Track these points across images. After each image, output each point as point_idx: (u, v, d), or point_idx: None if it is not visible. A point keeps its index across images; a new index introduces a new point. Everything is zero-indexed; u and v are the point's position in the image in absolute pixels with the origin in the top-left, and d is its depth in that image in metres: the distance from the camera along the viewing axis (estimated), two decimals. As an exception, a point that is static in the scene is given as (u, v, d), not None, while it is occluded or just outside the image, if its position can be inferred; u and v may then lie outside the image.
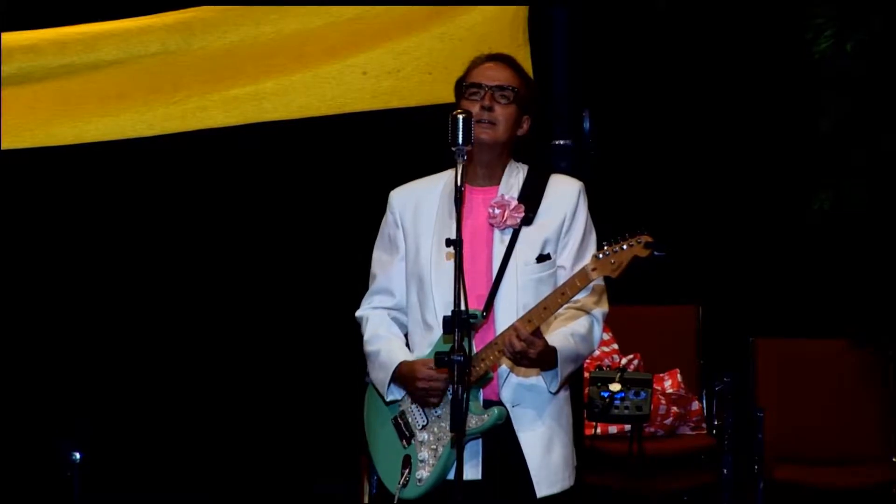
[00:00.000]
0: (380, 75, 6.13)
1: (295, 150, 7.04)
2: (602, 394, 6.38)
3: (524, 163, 4.62)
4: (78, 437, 6.70)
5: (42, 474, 6.99)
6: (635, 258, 4.25)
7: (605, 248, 4.29)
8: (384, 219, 4.62)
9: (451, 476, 4.42)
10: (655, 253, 4.27)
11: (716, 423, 6.81)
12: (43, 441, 6.99)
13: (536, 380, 4.46)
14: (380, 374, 4.52)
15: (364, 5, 6.35)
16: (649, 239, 4.21)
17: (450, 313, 4.11)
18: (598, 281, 4.42)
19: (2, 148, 6.12)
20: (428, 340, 4.44)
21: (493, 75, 4.54)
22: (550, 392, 4.47)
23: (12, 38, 6.08)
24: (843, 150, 6.39)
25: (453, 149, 4.16)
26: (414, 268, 4.51)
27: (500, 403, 4.38)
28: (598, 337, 4.56)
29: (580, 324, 4.49)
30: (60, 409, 7.15)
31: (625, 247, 4.24)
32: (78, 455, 6.59)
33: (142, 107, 6.14)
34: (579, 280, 4.30)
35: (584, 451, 5.93)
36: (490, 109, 4.44)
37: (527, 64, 5.81)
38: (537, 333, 4.29)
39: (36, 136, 6.16)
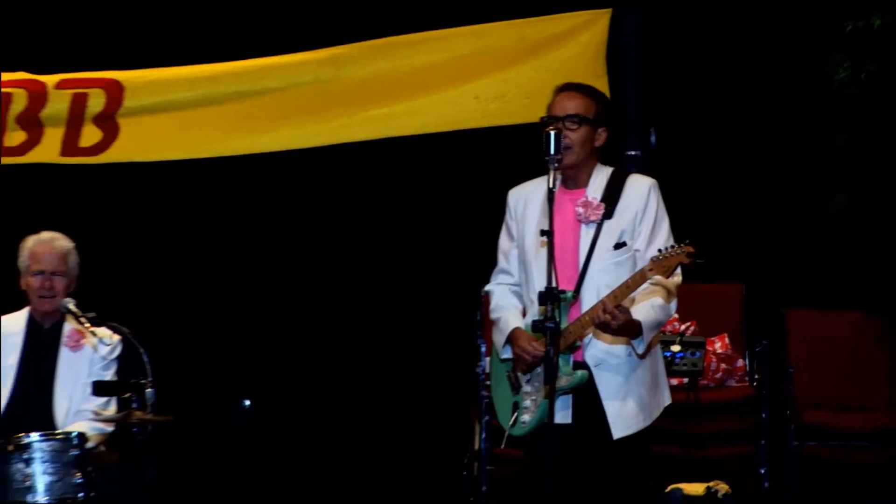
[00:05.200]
0: (488, 99, 6.74)
1: (413, 162, 7.50)
2: (665, 353, 6.34)
3: (609, 164, 4.89)
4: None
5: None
6: (680, 263, 4.61)
7: (659, 253, 4.62)
8: (506, 212, 4.99)
9: (556, 420, 4.64)
10: (697, 261, 4.67)
11: (756, 377, 7.01)
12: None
13: (612, 346, 4.77)
14: (499, 337, 4.88)
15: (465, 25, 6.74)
16: (691, 250, 4.58)
17: (547, 288, 4.44)
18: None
19: (191, 157, 6.82)
20: (532, 313, 4.80)
21: (564, 105, 4.81)
22: (638, 354, 4.75)
23: (196, 69, 6.82)
24: (853, 161, 6.90)
25: (546, 158, 4.53)
26: (521, 254, 4.87)
27: (584, 364, 4.74)
28: (675, 305, 4.86)
29: (659, 296, 4.76)
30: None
31: (673, 254, 4.57)
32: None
33: (299, 124, 6.84)
34: (640, 277, 4.64)
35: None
36: (565, 137, 4.69)
37: (604, 90, 6.16)
38: (621, 309, 4.59)
39: (216, 147, 6.84)
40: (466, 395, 6.93)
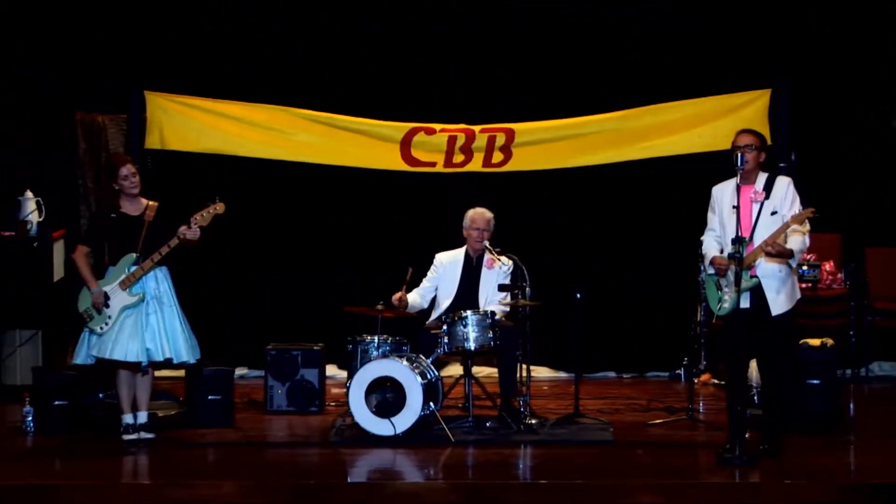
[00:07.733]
0: (705, 137, 9.00)
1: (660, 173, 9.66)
2: (800, 270, 8.96)
3: (767, 171, 6.93)
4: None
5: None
6: (807, 218, 6.58)
7: (797, 210, 6.53)
8: (712, 197, 7.01)
9: (741, 305, 6.74)
10: (816, 216, 6.57)
11: (848, 282, 9.62)
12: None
13: (770, 265, 6.63)
14: (706, 261, 7.01)
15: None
16: (814, 209, 6.56)
17: (735, 236, 6.63)
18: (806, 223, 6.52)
19: (549, 168, 9.20)
20: (727, 250, 6.85)
21: (744, 140, 6.86)
22: (792, 268, 6.65)
23: (552, 122, 9.13)
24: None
25: (735, 167, 6.75)
26: (720, 218, 6.93)
27: (755, 276, 6.79)
28: (808, 240, 6.77)
29: (800, 235, 6.69)
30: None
31: (804, 212, 6.52)
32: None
33: (606, 150, 9.28)
34: (785, 226, 6.55)
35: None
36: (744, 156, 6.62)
37: (766, 133, 8.32)
38: (776, 243, 6.51)
39: (565, 161, 9.23)
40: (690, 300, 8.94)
